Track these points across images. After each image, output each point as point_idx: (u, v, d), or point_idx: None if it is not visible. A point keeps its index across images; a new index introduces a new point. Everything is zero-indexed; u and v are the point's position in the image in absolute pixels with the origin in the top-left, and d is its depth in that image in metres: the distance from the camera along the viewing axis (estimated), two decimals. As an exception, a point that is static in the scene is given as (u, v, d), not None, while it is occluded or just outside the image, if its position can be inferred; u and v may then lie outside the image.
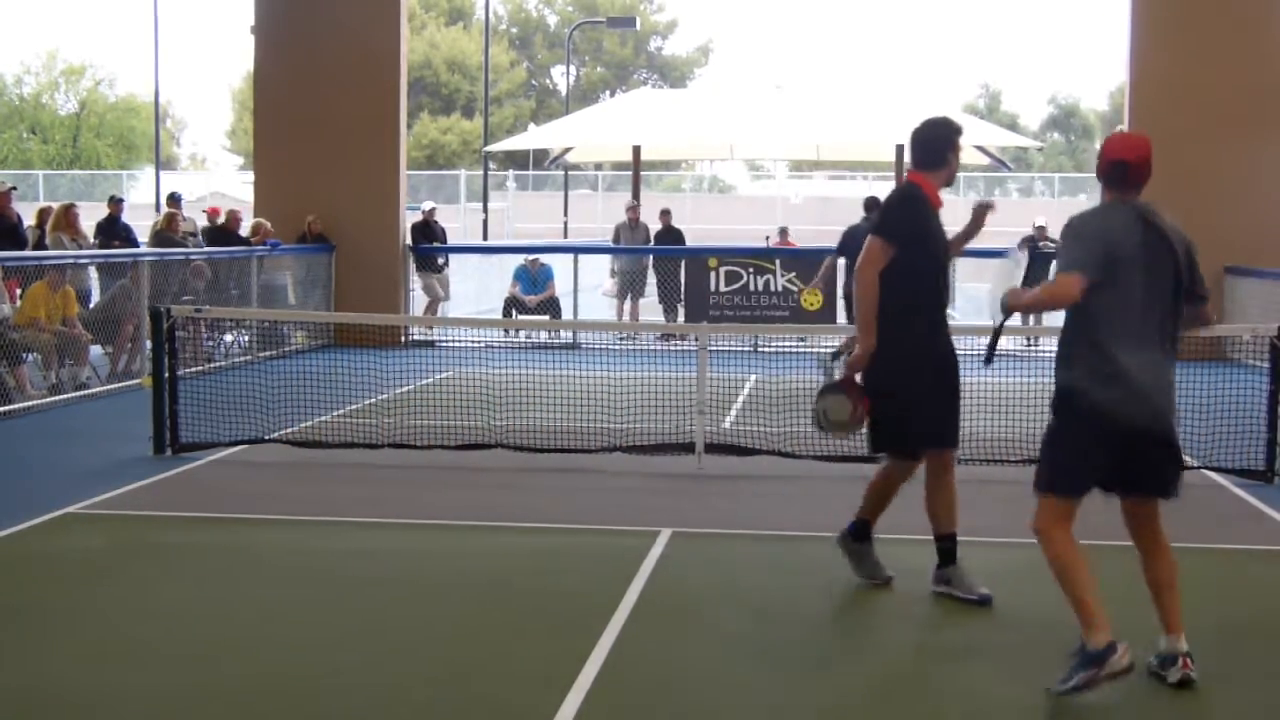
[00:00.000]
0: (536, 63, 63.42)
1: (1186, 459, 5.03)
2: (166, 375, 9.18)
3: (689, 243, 19.94)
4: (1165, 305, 4.69)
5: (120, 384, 12.37)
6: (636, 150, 21.49)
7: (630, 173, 22.54)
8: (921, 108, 22.25)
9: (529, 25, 63.79)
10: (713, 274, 16.79)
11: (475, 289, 21.93)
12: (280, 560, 6.60)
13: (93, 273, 14.41)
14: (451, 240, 19.76)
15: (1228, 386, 8.93)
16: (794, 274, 16.58)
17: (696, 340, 9.40)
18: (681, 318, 17.09)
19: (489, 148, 31.99)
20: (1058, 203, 41.15)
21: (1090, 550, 4.73)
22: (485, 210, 33.21)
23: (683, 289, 17.13)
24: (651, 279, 18.31)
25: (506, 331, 17.52)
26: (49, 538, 6.97)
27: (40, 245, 14.19)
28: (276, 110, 16.91)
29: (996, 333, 5.07)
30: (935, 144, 5.78)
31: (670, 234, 18.80)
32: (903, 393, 5.64)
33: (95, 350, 12.71)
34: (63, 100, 54.27)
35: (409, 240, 17.20)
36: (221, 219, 16.38)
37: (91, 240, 15.17)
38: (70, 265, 12.91)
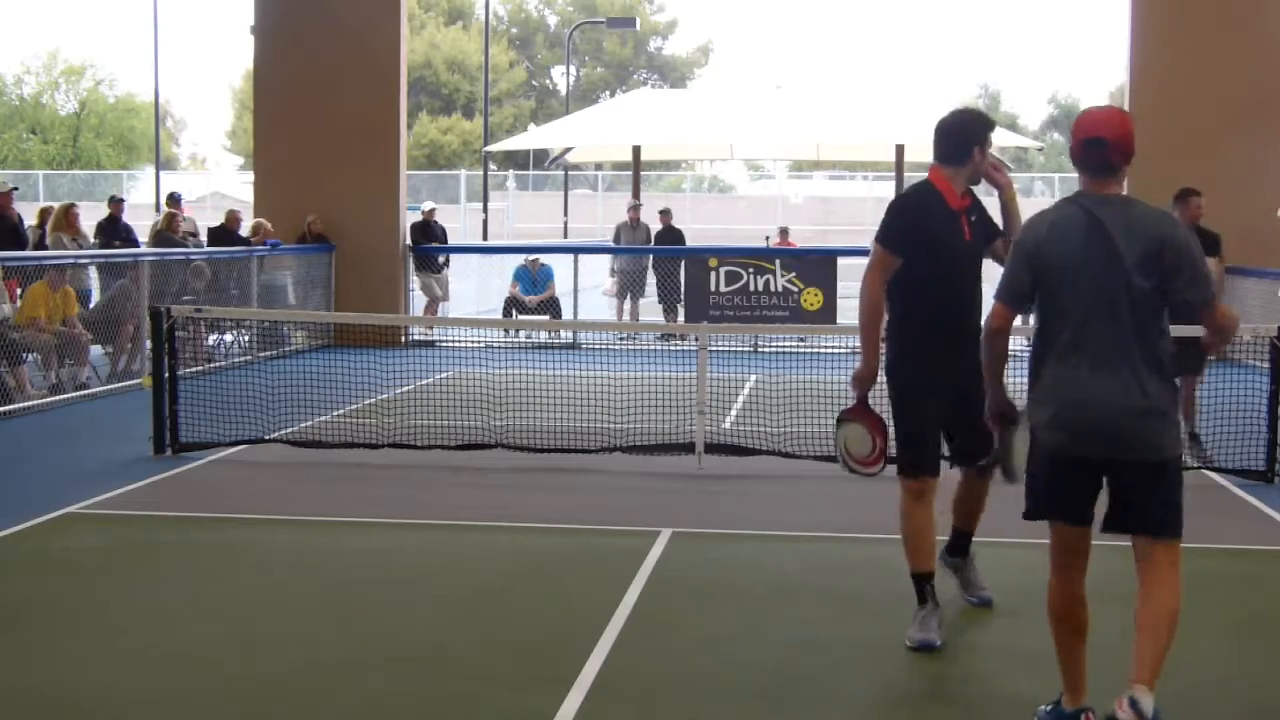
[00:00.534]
0: (536, 63, 63.41)
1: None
2: (166, 375, 9.18)
3: (689, 243, 19.95)
4: (1122, 316, 4.04)
5: (120, 384, 12.37)
6: (636, 150, 21.50)
7: (630, 173, 22.54)
8: (921, 108, 22.28)
9: (529, 25, 63.79)
10: (713, 274, 16.79)
11: (475, 289, 21.93)
12: (280, 560, 6.60)
13: (93, 273, 14.41)
14: (451, 240, 19.76)
15: (1228, 386, 8.93)
16: (794, 274, 16.57)
17: (696, 340, 9.40)
18: (681, 318, 17.09)
19: (489, 148, 31.99)
20: (1058, 203, 41.08)
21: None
22: (485, 210, 33.20)
23: (683, 289, 17.13)
24: (651, 279, 18.31)
25: (506, 331, 17.52)
26: (49, 538, 6.97)
27: (41, 245, 14.19)
28: (276, 110, 16.91)
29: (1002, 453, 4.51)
30: (958, 137, 5.26)
31: (670, 234, 18.80)
32: (915, 417, 5.17)
33: (95, 350, 12.70)
34: (63, 100, 54.27)
35: (409, 240, 17.20)
36: (183, 220, 16.29)
37: (92, 240, 15.17)
38: (70, 265, 12.91)
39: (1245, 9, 15.65)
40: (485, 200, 33.67)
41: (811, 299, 16.47)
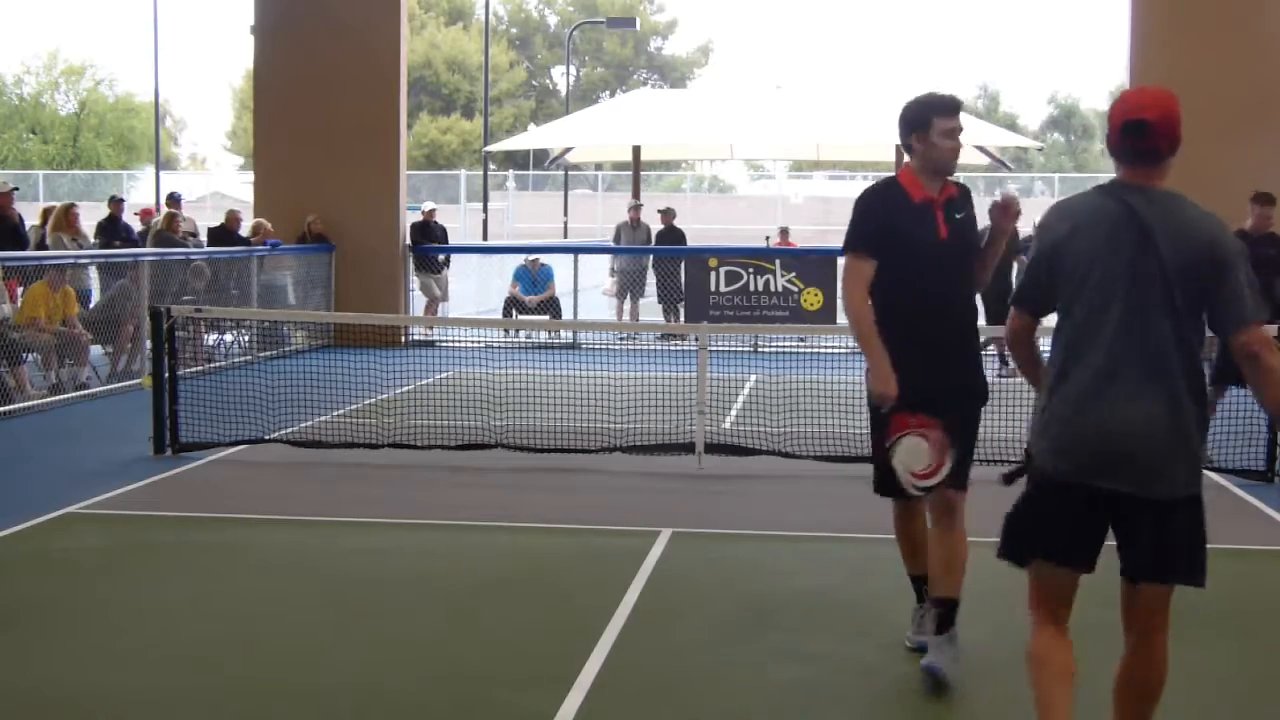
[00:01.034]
0: (536, 63, 63.43)
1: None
2: (166, 375, 9.19)
3: (689, 243, 19.95)
4: (1161, 329, 3.49)
5: (120, 384, 12.37)
6: (636, 150, 21.49)
7: (630, 173, 22.54)
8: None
9: (529, 25, 63.81)
10: (713, 274, 16.78)
11: (475, 289, 21.93)
12: (280, 560, 6.60)
13: (93, 273, 14.42)
14: (451, 240, 19.76)
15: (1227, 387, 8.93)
16: (794, 274, 16.57)
17: (696, 340, 9.40)
18: (682, 318, 17.09)
19: (489, 148, 31.99)
20: (1058, 203, 41.11)
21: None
22: (485, 210, 33.22)
23: (683, 289, 17.13)
24: (652, 279, 18.31)
25: (506, 331, 17.52)
26: (49, 538, 6.97)
27: (42, 245, 14.20)
28: (276, 110, 16.91)
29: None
30: (901, 125, 4.85)
31: (672, 233, 18.80)
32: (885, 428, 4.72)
33: (95, 350, 12.70)
34: (63, 100, 54.29)
35: (409, 240, 17.20)
36: (157, 220, 16.28)
37: (92, 240, 15.18)
38: (70, 265, 12.91)
39: (1245, 9, 15.65)
40: (485, 200, 33.69)
41: (811, 299, 16.47)
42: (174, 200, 17.03)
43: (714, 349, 9.47)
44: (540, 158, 33.77)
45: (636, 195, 20.71)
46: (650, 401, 9.37)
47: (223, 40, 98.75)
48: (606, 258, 20.25)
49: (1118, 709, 3.72)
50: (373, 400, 10.73)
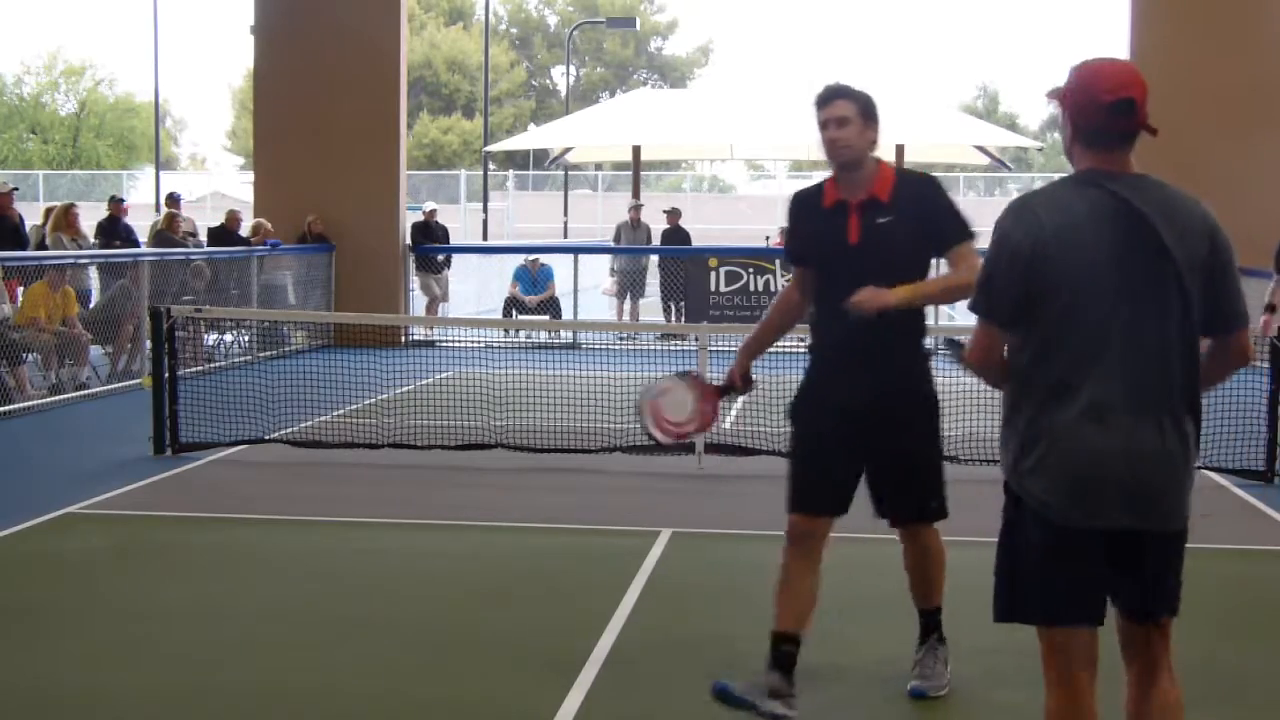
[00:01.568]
0: (536, 63, 63.41)
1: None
2: (166, 375, 9.18)
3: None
4: (1169, 338, 3.08)
5: (120, 384, 12.37)
6: (636, 150, 21.49)
7: (630, 173, 22.53)
8: (921, 108, 22.24)
9: (529, 25, 63.79)
10: (713, 274, 16.77)
11: (475, 289, 21.94)
12: (280, 560, 6.60)
13: (93, 273, 14.41)
14: (452, 240, 19.77)
15: (1228, 386, 8.90)
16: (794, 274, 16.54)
17: (696, 340, 9.39)
18: (682, 317, 17.08)
19: (489, 148, 31.99)
20: (1058, 203, 41.06)
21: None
22: (485, 210, 33.21)
23: (683, 289, 17.13)
24: (654, 278, 18.30)
25: (506, 331, 17.52)
26: (49, 538, 6.97)
27: (42, 245, 14.20)
28: (276, 110, 16.91)
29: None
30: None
31: (677, 234, 18.80)
32: (797, 447, 4.50)
33: (95, 350, 12.70)
34: (63, 100, 54.28)
35: (409, 240, 17.20)
36: (126, 216, 16.25)
37: (92, 240, 15.17)
38: (70, 265, 12.91)
39: (1246, 10, 15.66)
40: (485, 200, 33.68)
41: (811, 299, 16.45)
42: (173, 200, 17.03)
43: (714, 349, 9.44)
44: (540, 158, 33.79)
45: (636, 195, 20.72)
46: (650, 401, 9.35)
47: (223, 40, 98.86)
48: (606, 258, 20.25)
49: None
50: (373, 400, 10.73)
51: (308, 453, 9.03)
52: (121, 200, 16.46)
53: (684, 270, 17.24)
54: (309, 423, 9.74)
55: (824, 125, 4.32)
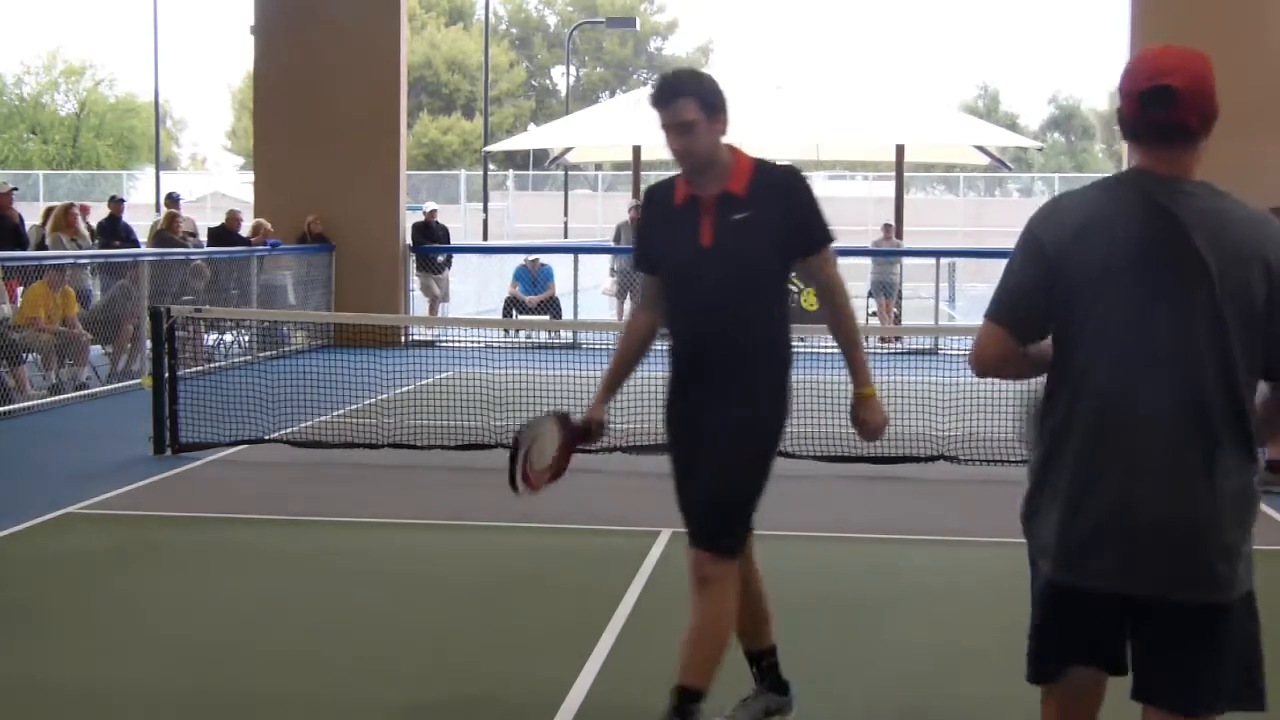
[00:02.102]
0: (536, 63, 63.43)
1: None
2: (166, 375, 9.18)
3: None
4: (1203, 368, 2.62)
5: (120, 384, 12.37)
6: (636, 150, 21.50)
7: (630, 173, 22.54)
8: (922, 108, 22.24)
9: (529, 25, 63.81)
10: (713, 274, 16.73)
11: (475, 289, 21.94)
12: (280, 560, 6.60)
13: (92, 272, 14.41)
14: (452, 240, 19.77)
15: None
16: (794, 274, 16.54)
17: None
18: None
19: (489, 148, 32.01)
20: (1058, 203, 41.06)
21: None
22: (485, 210, 33.22)
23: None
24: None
25: (506, 331, 17.52)
26: (49, 538, 6.97)
27: (42, 245, 14.20)
28: (276, 110, 16.92)
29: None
30: None
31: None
32: (674, 470, 4.29)
33: (95, 350, 12.71)
34: (63, 100, 54.29)
35: (409, 240, 17.21)
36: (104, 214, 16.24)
37: (91, 241, 15.18)
38: (70, 265, 12.91)
39: (1245, 9, 15.67)
40: (485, 200, 33.69)
41: (811, 299, 16.45)
42: (173, 200, 17.03)
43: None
44: (540, 158, 33.80)
45: (637, 195, 20.72)
46: (650, 401, 9.33)
47: (223, 40, 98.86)
48: (606, 258, 20.24)
49: None
50: (372, 400, 10.73)
51: (308, 453, 9.04)
52: (121, 200, 16.48)
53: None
54: (309, 423, 9.74)
55: (665, 130, 3.89)
